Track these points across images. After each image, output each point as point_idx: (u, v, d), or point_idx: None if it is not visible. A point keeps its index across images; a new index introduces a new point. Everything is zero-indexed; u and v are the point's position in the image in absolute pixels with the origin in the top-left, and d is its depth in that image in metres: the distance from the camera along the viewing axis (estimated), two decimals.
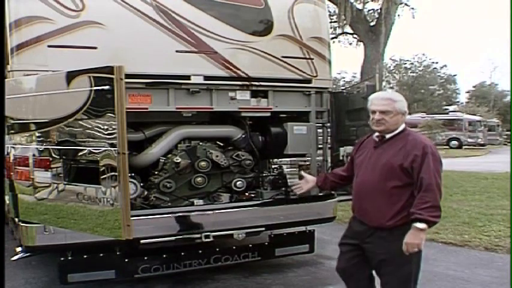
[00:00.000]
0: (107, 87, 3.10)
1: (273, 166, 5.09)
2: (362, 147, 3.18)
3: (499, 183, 11.65)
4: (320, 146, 4.97)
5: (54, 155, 3.49)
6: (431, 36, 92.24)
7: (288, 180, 4.75)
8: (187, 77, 4.28)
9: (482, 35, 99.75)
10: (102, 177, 3.20)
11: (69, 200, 3.41)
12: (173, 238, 4.09)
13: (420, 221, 2.73)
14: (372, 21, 15.02)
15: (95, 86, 3.17)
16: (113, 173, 3.13)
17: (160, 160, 4.45)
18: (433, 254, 5.61)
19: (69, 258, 3.90)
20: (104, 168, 3.19)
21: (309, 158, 4.86)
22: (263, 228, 4.51)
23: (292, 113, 4.92)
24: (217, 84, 4.42)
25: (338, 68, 49.31)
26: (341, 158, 4.82)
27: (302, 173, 3.73)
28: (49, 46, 3.80)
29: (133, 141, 4.23)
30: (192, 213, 4.20)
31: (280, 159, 4.80)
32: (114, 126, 3.09)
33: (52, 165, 3.50)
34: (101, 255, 3.98)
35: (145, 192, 4.36)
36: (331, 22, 14.64)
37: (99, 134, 3.20)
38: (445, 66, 52.51)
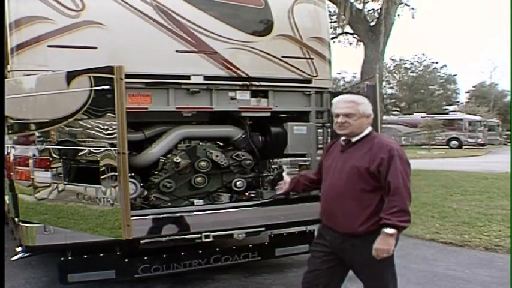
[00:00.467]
0: (107, 87, 3.10)
1: (273, 166, 5.08)
2: (330, 151, 3.15)
3: (499, 183, 11.67)
4: (320, 146, 4.96)
5: (54, 155, 3.48)
6: (431, 36, 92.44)
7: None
8: (187, 77, 4.28)
9: (482, 35, 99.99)
10: (102, 177, 3.19)
11: (69, 200, 3.41)
12: (173, 238, 4.08)
13: (389, 226, 2.68)
14: (372, 21, 15.02)
15: (95, 86, 3.17)
16: (113, 173, 3.12)
17: (160, 160, 4.44)
18: (433, 254, 5.62)
19: (69, 258, 3.90)
20: (104, 168, 3.18)
21: (309, 158, 4.86)
22: (263, 228, 4.50)
23: (292, 113, 4.91)
24: (217, 84, 4.42)
25: (338, 68, 49.37)
26: None
27: (283, 173, 3.71)
28: (49, 46, 3.79)
29: (133, 141, 4.22)
30: (192, 213, 4.20)
31: (280, 159, 4.79)
32: (114, 126, 3.08)
33: (52, 165, 3.50)
34: (101, 255, 3.98)
35: (146, 192, 4.35)
36: (331, 22, 14.65)
37: (99, 134, 3.20)
38: (445, 66, 52.54)
